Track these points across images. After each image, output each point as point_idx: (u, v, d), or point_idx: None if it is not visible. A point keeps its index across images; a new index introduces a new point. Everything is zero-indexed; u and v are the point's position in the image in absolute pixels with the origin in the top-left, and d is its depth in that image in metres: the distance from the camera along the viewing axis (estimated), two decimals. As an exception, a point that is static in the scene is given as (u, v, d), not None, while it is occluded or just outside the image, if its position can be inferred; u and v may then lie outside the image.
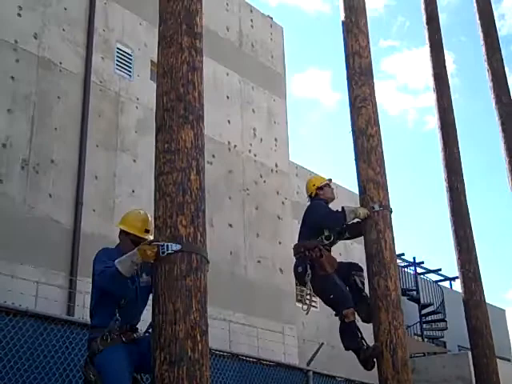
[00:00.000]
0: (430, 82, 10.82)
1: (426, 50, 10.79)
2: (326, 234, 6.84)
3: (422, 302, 20.30)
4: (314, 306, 7.02)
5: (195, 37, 4.95)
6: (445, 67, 10.57)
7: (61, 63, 9.93)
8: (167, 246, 4.40)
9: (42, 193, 9.13)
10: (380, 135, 7.16)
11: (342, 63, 7.89)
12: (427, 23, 10.76)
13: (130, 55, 11.10)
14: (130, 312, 4.82)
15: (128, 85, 10.89)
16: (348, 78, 7.56)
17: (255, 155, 12.80)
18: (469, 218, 9.66)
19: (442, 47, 10.58)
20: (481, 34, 11.65)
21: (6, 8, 9.43)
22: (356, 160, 7.11)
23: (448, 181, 9.88)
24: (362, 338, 6.38)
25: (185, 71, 4.83)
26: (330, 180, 7.29)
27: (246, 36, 13.57)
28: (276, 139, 13.42)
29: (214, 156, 11.57)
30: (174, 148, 4.64)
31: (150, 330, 4.57)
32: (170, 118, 4.70)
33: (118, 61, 10.86)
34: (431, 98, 10.68)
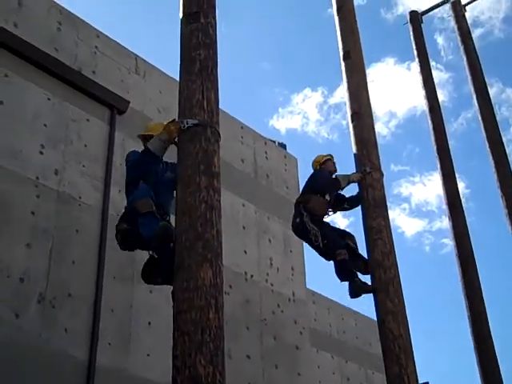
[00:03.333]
0: (445, 207, 10.93)
1: (437, 176, 10.98)
2: (326, 197, 7.89)
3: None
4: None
5: (213, 176, 5.10)
6: (458, 196, 10.71)
7: (80, 197, 10.14)
8: (186, 121, 5.37)
9: (58, 327, 9.05)
10: (397, 266, 7.18)
11: (352, 191, 8.07)
12: (438, 153, 11.00)
13: (147, 188, 11.32)
14: (158, 198, 5.87)
15: (145, 217, 11.03)
16: (362, 210, 7.67)
17: (272, 284, 12.74)
18: (493, 346, 9.46)
19: (455, 176, 10.76)
20: (492, 162, 11.85)
21: (29, 146, 9.77)
22: (373, 293, 7.09)
23: (470, 308, 9.74)
24: (356, 274, 7.45)
25: (203, 210, 4.95)
26: (331, 155, 8.47)
27: (260, 167, 13.89)
28: (292, 268, 13.39)
29: (230, 286, 11.51)
30: (192, 286, 4.65)
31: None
32: (188, 256, 4.75)
33: (135, 194, 11.06)
34: (447, 221, 10.75)
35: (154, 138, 5.73)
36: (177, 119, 5.57)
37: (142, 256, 10.62)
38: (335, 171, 8.37)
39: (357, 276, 7.45)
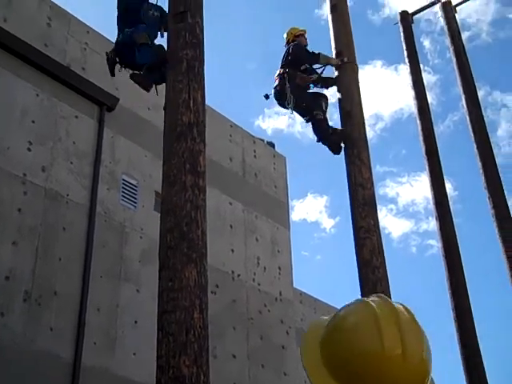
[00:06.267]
0: (432, 208, 10.96)
1: (425, 177, 11.01)
2: (303, 68, 8.58)
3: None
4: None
5: (198, 176, 5.08)
6: (446, 196, 10.73)
7: (67, 195, 10.10)
8: None
9: (43, 326, 9.01)
10: (385, 266, 7.16)
11: (339, 190, 8.09)
12: (426, 154, 11.02)
13: (135, 186, 11.31)
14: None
15: (132, 215, 11.02)
16: (352, 209, 7.66)
17: (259, 284, 12.74)
18: (477, 344, 9.50)
19: (443, 177, 10.78)
20: (479, 164, 11.87)
21: (17, 143, 9.72)
22: (361, 292, 7.08)
23: (456, 310, 9.77)
24: (331, 130, 8.34)
25: (188, 209, 4.92)
26: (305, 30, 9.23)
27: (249, 166, 13.88)
28: (280, 267, 13.39)
29: (217, 286, 11.50)
30: (177, 286, 4.63)
31: None
32: (173, 255, 4.73)
33: (123, 192, 11.05)
34: (434, 222, 10.77)
35: None
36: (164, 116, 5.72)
37: (130, 255, 10.62)
38: (306, 45, 9.10)
39: (330, 130, 8.42)
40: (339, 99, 8.51)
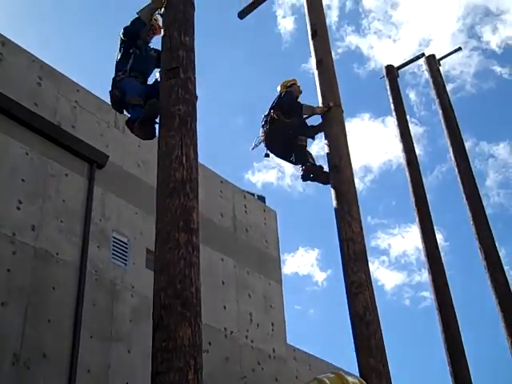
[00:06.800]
0: (424, 260, 10.91)
1: (415, 228, 11.00)
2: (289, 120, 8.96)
3: None
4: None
5: (192, 233, 5.03)
6: (437, 248, 10.71)
7: (57, 254, 9.98)
8: None
9: (32, 389, 8.77)
10: (378, 321, 7.09)
11: (330, 242, 8.06)
12: (416, 206, 11.04)
13: (126, 244, 11.22)
14: (142, 67, 7.61)
15: (123, 273, 10.89)
16: (343, 264, 7.61)
17: (252, 341, 12.54)
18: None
19: (433, 229, 10.78)
20: (469, 214, 11.88)
21: (6, 202, 9.64)
22: (356, 347, 6.98)
23: (451, 364, 9.64)
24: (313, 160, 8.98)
25: (182, 267, 4.86)
26: (296, 79, 9.61)
27: (240, 221, 13.83)
28: (273, 323, 13.22)
29: (210, 343, 11.31)
30: (171, 346, 4.53)
31: None
32: (167, 315, 4.64)
33: (113, 249, 10.94)
34: (426, 274, 10.71)
35: (143, 7, 7.49)
36: (156, 174, 5.72)
37: (121, 314, 10.45)
38: (300, 93, 9.49)
39: (311, 159, 9.00)
40: (327, 153, 8.53)
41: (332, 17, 32.16)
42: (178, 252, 4.84)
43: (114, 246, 10.99)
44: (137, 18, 7.70)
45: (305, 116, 9.11)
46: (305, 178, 9.02)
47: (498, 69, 38.13)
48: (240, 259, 13.29)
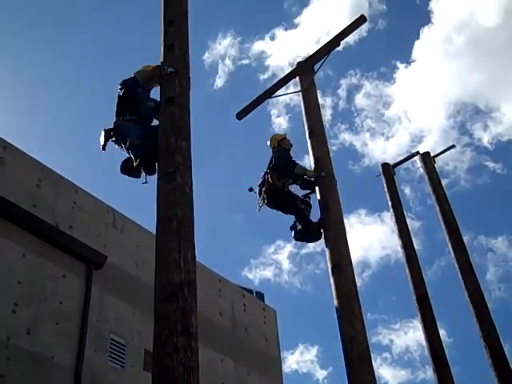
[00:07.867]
0: (429, 358, 10.68)
1: (417, 323, 10.83)
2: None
3: None
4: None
5: (191, 337, 4.94)
6: (441, 345, 10.51)
7: (53, 357, 9.76)
8: (166, 68, 7.25)
9: None
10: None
11: (330, 339, 7.88)
12: (418, 302, 10.90)
13: (124, 345, 10.99)
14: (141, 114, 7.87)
15: (120, 376, 10.62)
16: (347, 365, 7.45)
17: None
18: None
19: (436, 325, 10.60)
20: (472, 311, 11.64)
21: (1, 305, 9.50)
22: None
23: None
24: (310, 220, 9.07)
25: (181, 373, 4.74)
26: (286, 134, 9.94)
27: (239, 320, 13.63)
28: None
29: None
30: None
31: None
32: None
33: (110, 351, 10.72)
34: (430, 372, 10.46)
35: (142, 71, 7.87)
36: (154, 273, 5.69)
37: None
38: (291, 146, 9.74)
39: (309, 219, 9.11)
40: (328, 255, 8.43)
41: (326, 115, 32.93)
42: (176, 357, 4.74)
43: (111, 347, 10.77)
44: (134, 77, 8.02)
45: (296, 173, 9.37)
46: (297, 238, 9.23)
47: (490, 164, 38.74)
48: (240, 359, 13.00)
